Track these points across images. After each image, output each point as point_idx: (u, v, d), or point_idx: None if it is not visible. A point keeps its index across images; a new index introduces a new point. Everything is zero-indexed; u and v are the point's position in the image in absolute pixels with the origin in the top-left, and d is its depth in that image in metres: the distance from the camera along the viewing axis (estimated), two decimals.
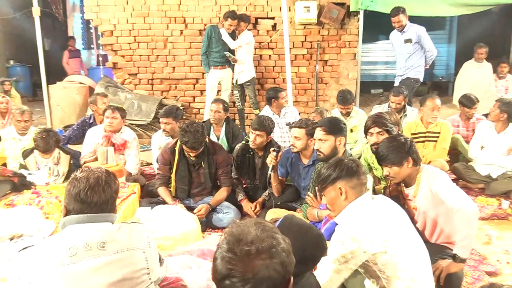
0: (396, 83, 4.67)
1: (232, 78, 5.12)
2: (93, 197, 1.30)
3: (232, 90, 5.31)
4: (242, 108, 5.20)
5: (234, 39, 4.95)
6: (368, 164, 3.02)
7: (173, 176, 2.91)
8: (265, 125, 3.00)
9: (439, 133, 3.45)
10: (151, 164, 4.11)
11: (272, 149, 2.79)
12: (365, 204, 1.60)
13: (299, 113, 4.39)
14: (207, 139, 2.87)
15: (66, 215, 1.33)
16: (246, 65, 4.97)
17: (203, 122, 4.06)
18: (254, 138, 3.00)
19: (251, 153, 3.15)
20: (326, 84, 5.74)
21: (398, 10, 4.49)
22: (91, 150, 3.41)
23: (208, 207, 2.80)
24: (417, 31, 4.50)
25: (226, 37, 4.83)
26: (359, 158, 3.19)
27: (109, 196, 1.33)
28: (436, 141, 3.46)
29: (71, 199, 1.32)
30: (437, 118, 3.45)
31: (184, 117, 3.65)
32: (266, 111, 4.08)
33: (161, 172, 2.96)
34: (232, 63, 4.96)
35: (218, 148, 2.96)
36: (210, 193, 2.98)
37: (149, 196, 3.15)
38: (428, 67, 4.65)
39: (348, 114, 4.04)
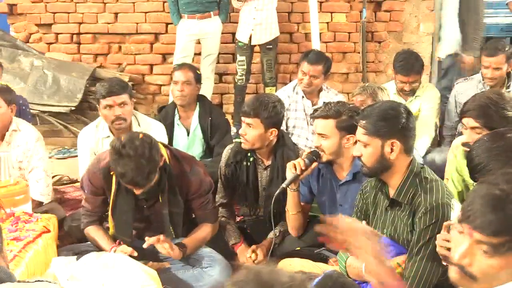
0: None
1: (234, 34, 5.23)
2: None
3: (221, 55, 5.32)
4: (243, 84, 5.29)
5: None
6: (463, 181, 3.00)
7: (109, 216, 2.89)
8: (259, 107, 3.01)
9: None
10: (77, 181, 4.12)
11: (308, 151, 2.86)
12: None
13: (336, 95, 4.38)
14: (167, 154, 2.82)
15: None
16: (269, 14, 5.07)
17: (164, 108, 4.12)
18: (243, 131, 3.06)
19: (251, 159, 3.17)
20: (380, 43, 5.75)
21: None
22: None
23: (178, 249, 2.76)
24: None
25: None
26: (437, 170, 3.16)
27: None
28: None
29: None
30: None
31: (134, 99, 3.63)
32: (292, 88, 4.15)
33: (88, 207, 2.93)
34: (238, 5, 5.03)
35: (188, 165, 2.90)
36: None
37: (73, 238, 3.15)
38: None
39: (412, 92, 4.21)
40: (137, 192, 2.70)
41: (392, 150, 2.33)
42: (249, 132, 3.03)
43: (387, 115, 2.36)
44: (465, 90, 4.18)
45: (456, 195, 2.82)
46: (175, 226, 2.90)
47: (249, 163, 3.17)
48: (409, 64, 4.14)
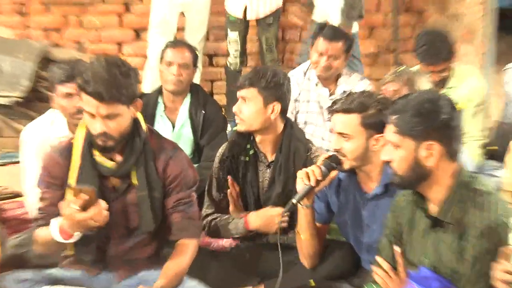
0: None
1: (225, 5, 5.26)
2: None
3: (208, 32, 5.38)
4: (238, 69, 5.37)
5: None
6: None
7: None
8: (255, 75, 3.14)
9: None
10: (19, 195, 4.12)
11: (325, 155, 2.89)
12: None
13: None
14: (144, 127, 2.89)
15: None
16: None
17: (143, 95, 4.14)
18: (237, 108, 3.17)
19: (250, 153, 3.23)
20: (418, 14, 5.78)
21: None
22: None
23: None
24: None
25: None
26: None
27: None
28: None
29: None
30: None
31: None
32: (303, 73, 4.22)
33: (43, 205, 2.92)
34: None
35: (169, 144, 3.01)
36: (156, 255, 3.00)
37: (17, 267, 3.08)
38: None
39: (442, 82, 4.21)
40: (99, 125, 2.71)
41: (429, 154, 2.34)
42: (245, 108, 3.11)
43: (422, 109, 2.36)
44: None
45: None
46: (154, 216, 2.89)
47: (247, 158, 3.21)
48: (434, 49, 4.13)
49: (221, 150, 3.32)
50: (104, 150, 2.77)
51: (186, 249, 2.90)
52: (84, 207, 2.56)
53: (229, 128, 4.77)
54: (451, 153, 2.37)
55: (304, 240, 2.91)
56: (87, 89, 2.67)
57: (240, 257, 3.23)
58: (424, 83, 3.74)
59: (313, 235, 2.91)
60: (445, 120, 2.34)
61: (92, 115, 2.67)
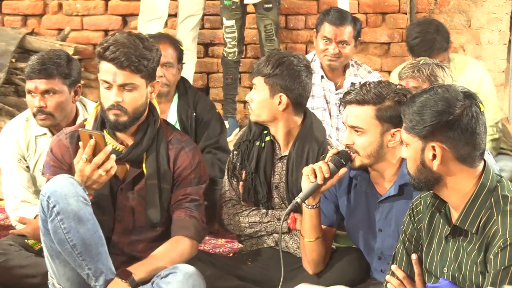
0: None
1: None
2: None
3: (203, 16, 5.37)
4: (235, 59, 5.36)
5: None
6: None
7: None
8: (263, 62, 3.21)
9: None
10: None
11: (334, 151, 2.88)
12: None
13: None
14: (160, 114, 3.01)
15: None
16: None
17: None
18: (249, 97, 3.25)
19: (267, 139, 3.29)
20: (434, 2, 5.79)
21: None
22: None
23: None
24: None
25: None
26: None
27: None
28: None
29: None
30: None
31: (80, 84, 3.61)
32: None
33: None
34: None
35: (182, 136, 3.13)
36: None
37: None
38: None
39: None
40: (117, 97, 2.82)
41: (434, 156, 2.32)
42: (254, 97, 3.19)
43: (434, 108, 2.32)
44: None
45: None
46: (162, 209, 2.96)
47: (263, 144, 3.25)
48: (426, 42, 4.22)
49: (240, 132, 3.41)
50: (116, 127, 2.88)
51: (178, 244, 2.95)
52: (94, 156, 2.71)
53: (226, 125, 4.76)
54: (463, 157, 2.33)
55: (308, 243, 2.92)
56: (106, 56, 2.84)
57: (241, 264, 3.23)
58: (448, 78, 3.73)
59: (318, 238, 2.92)
60: (453, 119, 2.30)
61: (109, 86, 2.82)
